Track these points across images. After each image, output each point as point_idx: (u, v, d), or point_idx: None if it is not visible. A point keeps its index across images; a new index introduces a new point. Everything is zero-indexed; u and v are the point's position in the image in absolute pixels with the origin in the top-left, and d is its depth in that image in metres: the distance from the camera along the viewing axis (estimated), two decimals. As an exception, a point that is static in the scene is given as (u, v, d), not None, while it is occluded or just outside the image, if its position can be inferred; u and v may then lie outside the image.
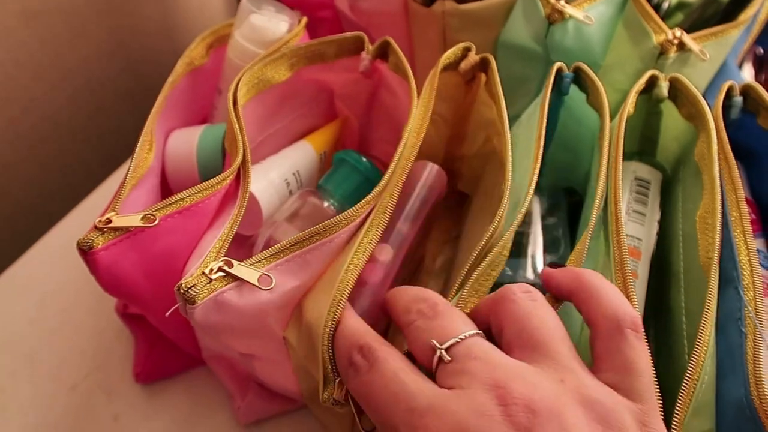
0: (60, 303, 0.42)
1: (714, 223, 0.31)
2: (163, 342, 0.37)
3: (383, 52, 0.40)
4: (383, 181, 0.30)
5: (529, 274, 0.36)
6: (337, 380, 0.25)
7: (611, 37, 0.41)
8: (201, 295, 0.25)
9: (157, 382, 0.39)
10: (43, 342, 0.40)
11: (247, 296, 0.26)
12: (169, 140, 0.41)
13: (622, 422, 0.20)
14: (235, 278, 0.26)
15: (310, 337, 0.27)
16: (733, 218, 0.31)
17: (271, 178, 0.38)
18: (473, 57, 0.39)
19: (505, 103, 0.35)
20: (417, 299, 0.25)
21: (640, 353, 0.23)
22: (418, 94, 0.36)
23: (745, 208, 0.32)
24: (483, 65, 0.39)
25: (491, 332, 0.25)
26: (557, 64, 0.37)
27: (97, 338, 0.40)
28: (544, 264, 0.37)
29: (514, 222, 0.29)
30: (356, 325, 0.25)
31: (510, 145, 0.32)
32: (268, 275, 0.26)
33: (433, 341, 0.23)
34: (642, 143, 0.42)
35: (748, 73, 0.46)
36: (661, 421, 0.22)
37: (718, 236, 0.31)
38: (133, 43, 0.62)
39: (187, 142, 0.40)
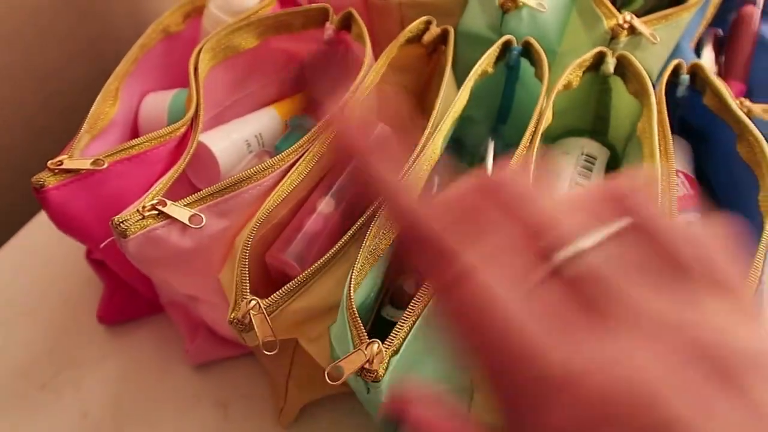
0: (27, 305, 0.44)
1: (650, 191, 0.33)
2: (127, 287, 0.40)
3: (347, 23, 0.42)
4: (311, 132, 0.32)
5: None
6: (244, 301, 0.26)
7: (566, 24, 0.42)
8: (132, 229, 0.27)
9: (119, 325, 0.41)
10: (10, 343, 0.42)
11: (179, 234, 0.29)
12: (143, 103, 0.43)
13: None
14: (168, 216, 0.28)
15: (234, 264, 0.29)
16: (662, 186, 0.32)
17: (233, 139, 0.40)
18: (434, 29, 0.41)
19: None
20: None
21: None
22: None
23: (674, 178, 0.33)
24: (443, 37, 0.41)
25: None
26: (505, 37, 0.38)
27: (64, 338, 0.42)
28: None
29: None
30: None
31: (440, 100, 0.35)
32: (199, 215, 0.29)
33: (541, 241, 0.14)
34: (595, 122, 0.43)
35: (708, 56, 0.46)
36: None
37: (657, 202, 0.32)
38: (104, 44, 0.64)
39: (159, 105, 0.43)
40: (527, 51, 0.39)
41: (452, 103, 0.35)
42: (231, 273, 0.31)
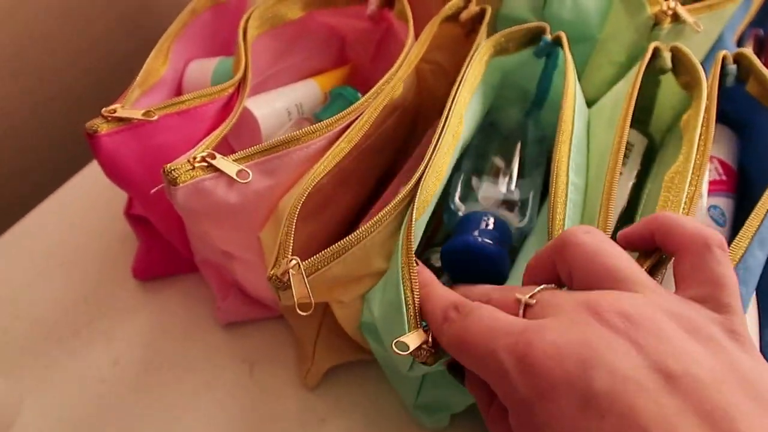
0: (65, 257, 0.45)
1: (682, 183, 0.32)
2: (162, 244, 0.41)
3: (390, 0, 0.43)
4: (363, 99, 0.33)
5: (502, 189, 0.38)
6: (285, 259, 0.27)
7: (608, 10, 0.42)
8: (182, 178, 0.28)
9: (152, 281, 0.43)
10: (48, 291, 0.43)
11: (225, 187, 0.29)
12: (188, 69, 0.44)
13: (711, 332, 0.20)
14: (216, 169, 0.29)
15: (279, 225, 0.29)
16: (691, 179, 0.32)
17: (275, 106, 0.41)
18: (473, 8, 0.42)
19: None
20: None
21: (726, 268, 0.23)
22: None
23: (705, 171, 0.32)
24: (481, 16, 0.41)
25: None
26: (537, 24, 0.39)
27: (100, 289, 0.43)
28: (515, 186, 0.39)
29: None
30: (446, 291, 0.27)
31: (460, 85, 0.35)
32: (246, 170, 0.29)
33: (516, 294, 0.24)
34: (638, 112, 0.43)
35: (749, 55, 0.46)
36: (749, 332, 0.21)
37: (684, 195, 0.31)
38: (144, 17, 0.65)
39: (203, 71, 0.44)
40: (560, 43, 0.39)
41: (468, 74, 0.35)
42: (272, 233, 0.32)
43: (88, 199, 0.48)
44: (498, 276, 0.35)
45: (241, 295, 0.39)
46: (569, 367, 0.19)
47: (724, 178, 0.37)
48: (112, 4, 0.62)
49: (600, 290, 0.22)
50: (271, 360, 0.40)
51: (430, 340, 0.26)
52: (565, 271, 0.24)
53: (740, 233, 0.30)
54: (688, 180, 0.32)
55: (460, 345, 0.23)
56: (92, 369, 0.39)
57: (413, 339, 0.26)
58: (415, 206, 0.30)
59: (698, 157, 0.33)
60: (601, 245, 0.24)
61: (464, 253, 0.35)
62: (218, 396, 0.38)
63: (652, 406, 0.17)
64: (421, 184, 0.31)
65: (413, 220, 0.29)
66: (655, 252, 0.26)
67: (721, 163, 0.38)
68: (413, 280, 0.28)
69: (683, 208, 0.30)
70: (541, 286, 0.24)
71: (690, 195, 0.31)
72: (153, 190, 0.29)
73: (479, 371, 0.22)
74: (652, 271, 0.26)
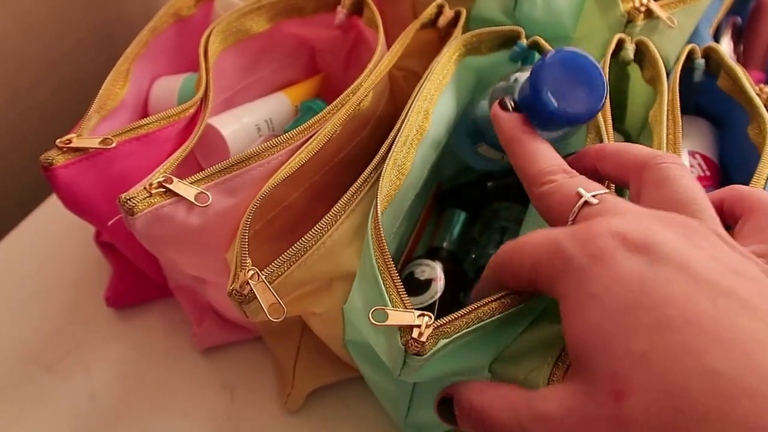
0: (35, 287, 0.44)
1: None
2: (135, 270, 0.40)
3: (358, 8, 0.42)
4: (325, 111, 0.32)
5: None
6: (243, 271, 0.26)
7: (581, 9, 0.41)
8: (140, 207, 0.27)
9: (127, 308, 0.41)
10: (18, 325, 0.42)
11: (186, 211, 0.28)
12: (153, 87, 0.43)
13: (757, 276, 0.20)
14: (174, 194, 0.28)
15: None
16: None
17: (243, 122, 0.40)
18: (448, 12, 0.40)
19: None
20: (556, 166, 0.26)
21: None
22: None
23: None
24: (455, 20, 0.40)
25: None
26: (513, 27, 0.38)
27: (72, 320, 0.42)
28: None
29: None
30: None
31: (425, 80, 0.35)
32: (205, 193, 0.28)
33: (580, 189, 0.24)
34: (613, 109, 0.42)
35: (726, 45, 0.45)
36: None
37: None
38: (115, 28, 0.64)
39: (169, 89, 0.43)
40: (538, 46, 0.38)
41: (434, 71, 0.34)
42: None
43: (57, 227, 0.47)
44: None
45: (217, 318, 0.38)
46: (631, 246, 0.20)
47: (708, 173, 0.36)
48: (83, 16, 0.61)
49: (650, 212, 0.22)
50: (252, 384, 0.39)
51: (424, 326, 0.23)
52: (634, 191, 0.24)
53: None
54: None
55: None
56: (68, 405, 0.38)
57: (398, 317, 0.24)
58: (378, 200, 0.29)
59: (670, 153, 0.32)
60: (684, 177, 0.24)
61: (563, 65, 0.29)
62: (200, 425, 0.37)
63: (719, 278, 0.18)
64: (382, 176, 0.29)
65: (379, 213, 0.28)
66: None
67: (704, 158, 0.37)
68: (390, 269, 0.26)
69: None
70: (606, 189, 0.24)
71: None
72: (110, 222, 0.28)
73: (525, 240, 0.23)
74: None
